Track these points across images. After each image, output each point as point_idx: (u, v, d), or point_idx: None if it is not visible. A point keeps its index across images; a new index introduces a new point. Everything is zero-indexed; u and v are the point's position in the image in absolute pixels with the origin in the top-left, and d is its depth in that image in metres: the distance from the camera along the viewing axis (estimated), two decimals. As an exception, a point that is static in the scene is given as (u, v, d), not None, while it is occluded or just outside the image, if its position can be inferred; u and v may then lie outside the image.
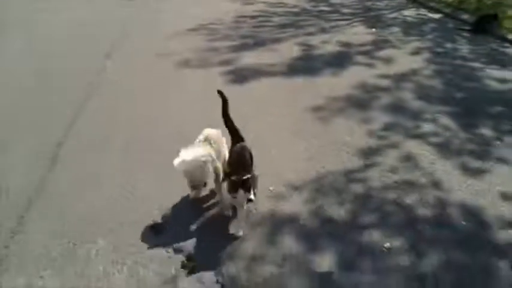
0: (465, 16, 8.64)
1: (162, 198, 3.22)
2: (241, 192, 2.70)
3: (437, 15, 8.98)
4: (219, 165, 3.05)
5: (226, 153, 3.20)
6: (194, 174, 2.95)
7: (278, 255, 2.77)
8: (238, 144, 3.05)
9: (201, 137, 3.10)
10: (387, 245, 2.88)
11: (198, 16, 8.09)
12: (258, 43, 6.84)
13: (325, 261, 2.74)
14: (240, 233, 2.87)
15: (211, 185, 3.20)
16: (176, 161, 2.84)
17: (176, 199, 3.21)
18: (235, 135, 3.12)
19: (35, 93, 4.93)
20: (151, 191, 3.30)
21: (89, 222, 3.00)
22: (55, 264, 2.67)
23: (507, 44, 7.22)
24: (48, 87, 5.08)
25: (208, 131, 3.14)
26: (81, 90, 4.96)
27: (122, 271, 2.63)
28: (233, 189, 2.71)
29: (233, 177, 2.72)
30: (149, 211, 3.10)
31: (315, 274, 2.65)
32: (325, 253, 2.80)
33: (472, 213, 3.20)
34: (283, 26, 7.91)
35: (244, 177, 2.70)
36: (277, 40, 7.11)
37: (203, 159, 2.89)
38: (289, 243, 2.87)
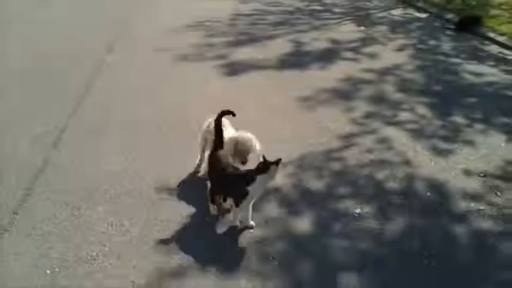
0: (450, 16, 9.01)
1: (158, 172, 3.54)
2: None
3: (424, 15, 9.37)
4: None
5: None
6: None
7: (262, 218, 3.10)
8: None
9: (210, 120, 3.33)
10: (358, 211, 3.23)
11: (195, 14, 8.43)
12: (252, 39, 7.20)
13: (302, 224, 3.08)
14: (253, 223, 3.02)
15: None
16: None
17: (171, 175, 3.53)
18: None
19: (39, 83, 5.27)
20: (148, 167, 3.63)
21: (90, 193, 3.32)
22: (61, 226, 2.99)
23: (487, 42, 7.59)
24: (51, 79, 5.42)
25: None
26: (83, 80, 5.29)
27: (120, 231, 2.96)
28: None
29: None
30: (146, 183, 3.43)
31: (295, 238, 2.99)
32: (303, 217, 3.15)
33: (437, 187, 3.56)
34: (276, 24, 8.28)
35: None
36: (270, 37, 7.47)
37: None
38: (271, 209, 3.21)
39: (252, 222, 3.02)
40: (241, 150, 3.14)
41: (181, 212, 3.15)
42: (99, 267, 2.68)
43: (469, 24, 8.22)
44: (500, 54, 7.02)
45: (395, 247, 2.95)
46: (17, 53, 6.30)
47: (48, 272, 2.63)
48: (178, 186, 3.41)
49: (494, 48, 7.30)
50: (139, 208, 3.18)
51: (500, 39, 7.62)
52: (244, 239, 2.94)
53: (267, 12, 9.09)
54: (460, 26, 8.25)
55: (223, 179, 2.95)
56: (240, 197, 2.85)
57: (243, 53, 6.52)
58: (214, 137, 3.09)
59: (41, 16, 8.15)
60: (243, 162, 3.12)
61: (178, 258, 2.77)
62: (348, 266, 2.77)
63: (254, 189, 2.81)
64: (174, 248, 2.84)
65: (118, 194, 3.34)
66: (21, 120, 4.38)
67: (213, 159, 3.03)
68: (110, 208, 3.18)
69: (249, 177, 2.80)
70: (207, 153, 3.33)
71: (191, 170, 3.57)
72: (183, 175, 3.54)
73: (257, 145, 3.17)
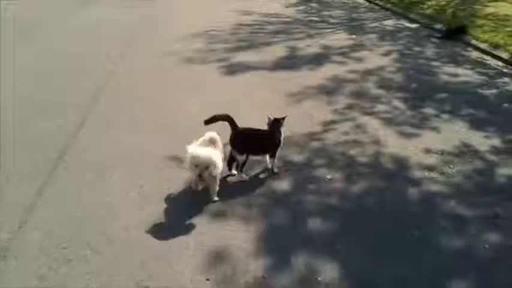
0: (439, 26, 9.69)
1: (165, 151, 4.22)
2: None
3: (414, 25, 10.07)
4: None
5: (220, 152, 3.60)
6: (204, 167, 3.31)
7: (249, 181, 3.81)
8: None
9: (206, 138, 3.55)
10: (329, 176, 3.91)
11: (200, 24, 9.23)
12: (251, 46, 7.97)
13: (282, 186, 3.77)
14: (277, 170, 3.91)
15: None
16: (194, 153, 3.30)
17: (177, 152, 4.19)
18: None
19: (59, 82, 6.07)
20: (156, 148, 4.31)
21: (108, 164, 4.03)
22: (85, 186, 3.71)
23: (469, 48, 8.25)
24: (69, 80, 6.20)
25: (211, 134, 3.58)
26: (98, 81, 6.08)
27: (135, 188, 3.67)
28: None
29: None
30: (154, 158, 4.13)
31: (274, 194, 3.68)
32: (283, 181, 3.83)
33: (398, 161, 4.22)
34: (275, 33, 9.03)
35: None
36: (268, 43, 8.21)
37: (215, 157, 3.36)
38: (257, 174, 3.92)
39: (276, 169, 3.90)
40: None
41: (184, 176, 3.82)
42: (118, 213, 3.38)
43: (455, 33, 8.89)
44: (479, 59, 7.67)
45: (356, 202, 3.62)
46: (41, 53, 7.11)
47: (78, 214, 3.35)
48: None
49: (474, 54, 7.95)
50: (150, 172, 3.88)
51: (482, 46, 8.26)
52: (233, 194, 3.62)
53: (267, 22, 9.85)
54: (446, 35, 8.93)
55: (259, 140, 3.79)
56: (276, 148, 3.81)
57: (242, 57, 7.26)
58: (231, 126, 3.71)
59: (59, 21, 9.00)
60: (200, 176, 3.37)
61: (180, 206, 3.46)
62: (315, 214, 3.44)
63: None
64: (177, 200, 3.53)
65: (132, 163, 4.04)
66: (46, 111, 5.13)
67: (240, 135, 3.70)
68: (126, 173, 3.89)
69: (278, 132, 3.76)
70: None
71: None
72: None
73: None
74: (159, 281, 2.78)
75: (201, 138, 3.57)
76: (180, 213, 3.41)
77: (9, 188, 3.67)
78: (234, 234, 3.22)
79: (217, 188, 3.53)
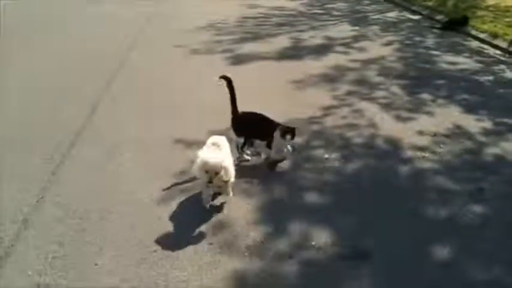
0: (440, 17, 9.87)
1: (173, 133, 4.52)
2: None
3: (416, 17, 10.26)
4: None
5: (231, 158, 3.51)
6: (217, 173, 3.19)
7: (251, 161, 4.08)
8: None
9: (209, 143, 3.49)
10: (326, 156, 4.16)
11: (207, 17, 9.51)
12: (256, 37, 8.23)
13: (281, 164, 4.04)
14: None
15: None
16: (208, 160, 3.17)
17: (184, 134, 4.52)
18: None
19: (74, 73, 6.38)
20: (164, 131, 4.60)
21: (119, 145, 4.32)
22: (97, 165, 4.01)
23: (469, 38, 8.43)
24: (84, 69, 6.53)
25: (216, 138, 3.54)
26: (109, 72, 6.41)
27: (143, 167, 3.96)
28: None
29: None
30: (162, 140, 4.42)
31: (274, 172, 3.95)
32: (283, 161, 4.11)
33: (393, 142, 4.46)
34: (280, 25, 9.28)
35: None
36: (273, 35, 8.46)
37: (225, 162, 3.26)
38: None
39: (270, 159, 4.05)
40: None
41: (191, 156, 4.07)
42: (128, 189, 3.67)
43: (456, 24, 9.07)
44: (478, 48, 7.86)
45: (351, 179, 3.87)
46: (61, 37, 7.45)
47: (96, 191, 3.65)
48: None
49: (474, 44, 8.14)
50: (159, 152, 4.17)
51: (481, 35, 8.44)
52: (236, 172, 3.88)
53: (272, 15, 10.10)
54: (447, 26, 9.11)
55: (258, 124, 3.97)
56: (272, 138, 3.87)
57: (248, 48, 7.52)
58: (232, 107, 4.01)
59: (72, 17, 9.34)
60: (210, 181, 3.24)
61: (187, 183, 3.73)
62: (312, 189, 3.70)
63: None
64: (184, 177, 3.81)
65: (142, 144, 4.34)
66: (63, 95, 5.46)
67: (239, 118, 3.99)
68: (136, 153, 4.18)
69: (277, 123, 3.92)
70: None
71: (201, 134, 4.22)
72: (193, 137, 4.47)
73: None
74: (166, 247, 3.05)
75: (208, 142, 3.51)
76: (186, 189, 3.68)
77: (26, 168, 3.96)
78: (236, 206, 3.48)
79: (231, 192, 3.50)
